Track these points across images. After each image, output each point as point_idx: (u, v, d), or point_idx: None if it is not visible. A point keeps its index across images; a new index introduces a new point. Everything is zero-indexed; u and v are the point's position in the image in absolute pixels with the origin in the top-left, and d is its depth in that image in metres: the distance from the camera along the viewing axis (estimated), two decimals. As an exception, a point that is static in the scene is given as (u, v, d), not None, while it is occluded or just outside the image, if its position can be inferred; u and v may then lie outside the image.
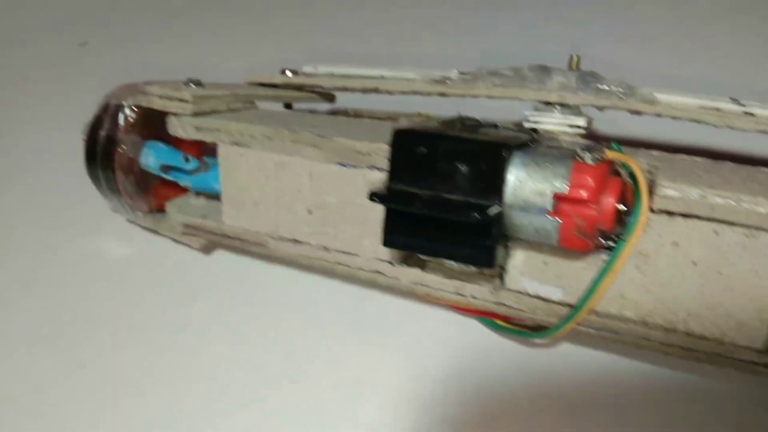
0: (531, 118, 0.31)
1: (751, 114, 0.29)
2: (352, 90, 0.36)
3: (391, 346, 0.29)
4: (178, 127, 0.32)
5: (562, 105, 0.31)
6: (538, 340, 0.27)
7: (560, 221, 0.23)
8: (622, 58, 0.46)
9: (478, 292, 0.27)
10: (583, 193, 0.23)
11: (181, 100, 0.32)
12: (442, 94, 0.33)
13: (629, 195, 0.24)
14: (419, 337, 0.29)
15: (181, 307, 0.34)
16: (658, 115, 0.30)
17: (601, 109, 0.31)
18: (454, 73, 0.35)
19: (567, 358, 0.27)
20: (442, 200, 0.24)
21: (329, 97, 0.39)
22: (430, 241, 0.25)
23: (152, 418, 0.29)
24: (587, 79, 0.32)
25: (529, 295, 0.26)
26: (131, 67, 0.59)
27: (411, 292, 0.29)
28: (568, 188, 0.23)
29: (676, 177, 0.23)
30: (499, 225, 0.24)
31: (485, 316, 0.28)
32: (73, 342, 0.33)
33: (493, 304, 0.27)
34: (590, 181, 0.23)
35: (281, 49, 0.55)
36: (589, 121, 0.32)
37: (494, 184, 0.23)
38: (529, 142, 0.25)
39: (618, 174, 0.24)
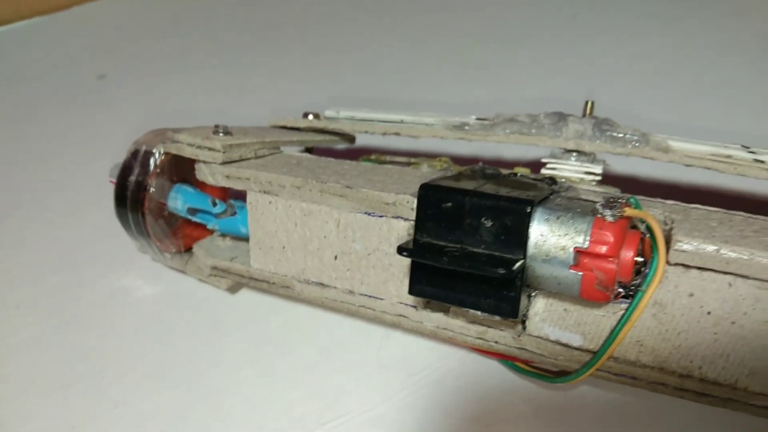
0: (549, 165, 0.33)
1: (762, 161, 0.30)
2: (373, 133, 0.38)
3: (415, 386, 0.31)
4: (207, 175, 0.34)
5: (578, 152, 0.33)
6: (563, 383, 0.28)
7: (582, 274, 0.24)
8: (635, 105, 0.48)
9: (501, 338, 0.28)
10: (603, 249, 0.24)
11: (211, 149, 0.33)
12: (462, 139, 0.35)
13: (647, 247, 0.25)
14: (441, 378, 0.31)
15: (209, 345, 0.35)
16: (671, 162, 0.32)
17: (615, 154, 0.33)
18: (472, 119, 0.36)
19: (584, 400, 0.29)
20: (467, 254, 0.25)
21: (350, 139, 0.41)
22: (455, 291, 0.26)
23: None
24: (602, 126, 0.33)
25: (550, 341, 0.27)
26: (148, 99, 0.61)
27: (434, 335, 0.30)
28: (589, 243, 0.24)
29: (692, 231, 0.24)
30: (523, 277, 0.25)
31: (507, 359, 0.29)
32: (106, 381, 0.34)
33: (515, 349, 0.28)
34: (610, 236, 0.24)
35: (301, 93, 0.57)
36: (604, 167, 0.33)
37: (518, 239, 0.24)
38: (549, 195, 0.27)
39: (636, 227, 0.25)
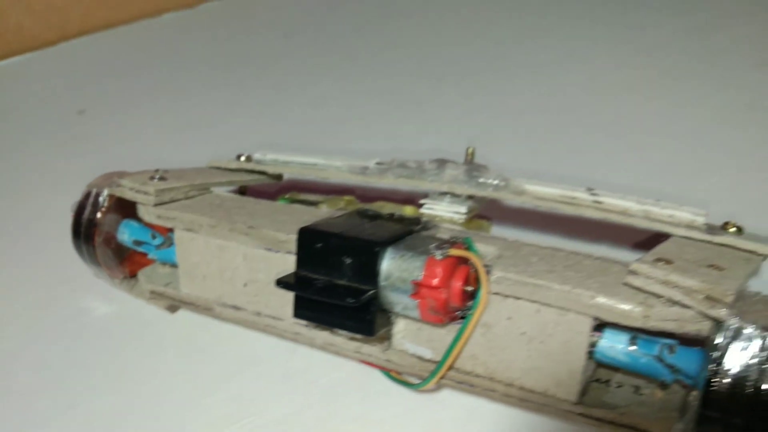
0: (426, 205, 0.39)
1: (599, 203, 0.36)
2: (291, 174, 0.44)
3: (312, 392, 0.36)
4: (144, 214, 0.40)
5: (451, 194, 0.39)
6: (417, 390, 0.34)
7: (418, 302, 0.30)
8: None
9: (373, 352, 0.34)
10: (435, 281, 0.29)
11: (145, 193, 0.39)
12: (359, 182, 0.41)
13: (474, 279, 0.31)
14: (334, 384, 0.36)
15: (150, 357, 0.41)
16: (524, 203, 0.37)
17: (479, 197, 0.39)
18: (372, 163, 0.42)
19: (445, 402, 0.34)
20: (330, 286, 0.31)
21: (278, 177, 0.47)
22: (326, 315, 0.31)
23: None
24: (473, 172, 0.39)
25: (408, 354, 0.33)
26: (124, 132, 0.67)
27: (325, 349, 0.36)
28: (423, 277, 0.29)
29: (509, 266, 0.30)
30: (376, 304, 0.31)
31: (383, 369, 0.35)
32: (64, 386, 0.39)
33: (384, 361, 0.33)
34: (439, 271, 0.29)
35: (244, 138, 0.63)
36: (472, 208, 0.39)
37: (371, 274, 0.30)
38: (406, 234, 0.32)
39: (466, 262, 0.31)
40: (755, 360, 0.25)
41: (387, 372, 0.34)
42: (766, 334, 0.25)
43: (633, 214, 0.34)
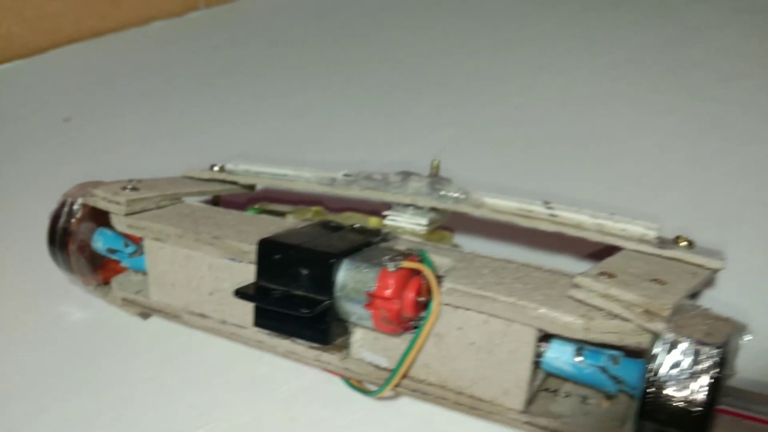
0: (389, 217, 0.40)
1: (555, 216, 0.37)
2: (262, 184, 0.44)
3: (276, 398, 0.37)
4: (116, 223, 0.40)
5: (414, 206, 0.40)
6: (374, 397, 0.35)
7: (371, 312, 0.30)
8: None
9: (332, 360, 0.34)
10: (387, 292, 0.30)
11: (117, 203, 0.40)
12: (327, 193, 0.41)
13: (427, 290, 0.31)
14: (297, 391, 0.37)
15: (123, 363, 0.41)
16: (482, 216, 0.38)
17: (441, 209, 0.39)
18: (339, 175, 0.42)
19: (402, 410, 0.35)
20: (286, 296, 0.31)
21: (250, 188, 0.47)
22: (285, 325, 0.32)
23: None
24: (436, 185, 0.39)
25: (366, 362, 0.34)
26: (109, 140, 0.68)
27: (287, 357, 0.37)
28: (376, 289, 0.30)
29: (460, 278, 0.30)
30: (332, 314, 0.31)
31: (343, 377, 0.36)
32: (37, 390, 0.40)
33: (343, 369, 0.34)
34: (392, 283, 0.30)
35: (226, 147, 0.64)
36: (434, 220, 0.39)
37: (326, 284, 0.31)
38: (364, 245, 0.33)
39: (419, 273, 0.32)
40: (688, 372, 0.25)
41: (347, 380, 0.35)
42: (699, 347, 0.25)
43: (587, 227, 0.35)
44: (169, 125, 0.68)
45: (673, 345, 0.26)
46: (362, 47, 0.79)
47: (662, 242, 0.34)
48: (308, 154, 0.60)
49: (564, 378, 0.31)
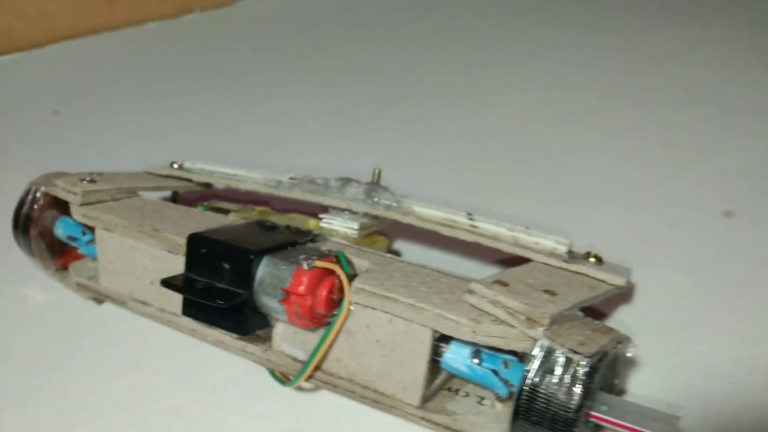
0: (324, 220, 0.41)
1: (475, 227, 0.38)
2: (215, 183, 0.46)
3: (206, 385, 0.39)
4: (72, 212, 0.42)
5: (350, 211, 0.41)
6: (293, 387, 0.36)
7: (285, 307, 0.32)
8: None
9: (255, 351, 0.36)
10: (301, 288, 0.32)
11: (74, 194, 0.42)
12: (271, 194, 0.43)
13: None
14: (227, 380, 0.39)
15: (72, 344, 0.43)
16: (410, 224, 0.40)
17: (375, 216, 0.41)
18: (285, 178, 0.44)
19: (320, 400, 0.37)
20: (211, 287, 0.33)
21: (206, 185, 0.49)
22: (208, 314, 0.34)
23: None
24: (371, 192, 0.41)
25: (285, 354, 0.35)
26: (93, 134, 0.71)
27: (218, 346, 0.38)
28: (290, 285, 0.32)
29: (370, 280, 0.32)
30: (250, 307, 0.33)
31: (267, 368, 0.37)
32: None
33: (265, 360, 0.36)
34: (305, 281, 0.32)
35: (200, 146, 0.66)
36: (366, 225, 0.41)
37: (245, 278, 0.33)
38: (289, 244, 0.35)
39: (334, 273, 0.33)
40: (557, 378, 0.27)
41: (271, 370, 0.37)
42: (571, 356, 0.27)
43: (503, 239, 0.37)
44: (151, 123, 0.71)
45: (549, 352, 0.27)
46: (339, 58, 0.81)
47: (572, 257, 0.36)
48: (275, 158, 0.62)
49: (462, 378, 0.32)
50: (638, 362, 0.37)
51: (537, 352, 0.28)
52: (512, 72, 0.73)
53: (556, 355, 0.27)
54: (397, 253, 0.48)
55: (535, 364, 0.27)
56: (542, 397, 0.27)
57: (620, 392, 0.34)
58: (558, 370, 0.27)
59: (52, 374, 0.41)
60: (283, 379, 0.36)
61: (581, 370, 0.27)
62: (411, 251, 0.47)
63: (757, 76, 0.65)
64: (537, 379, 0.27)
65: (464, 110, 0.65)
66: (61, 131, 0.70)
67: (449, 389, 0.34)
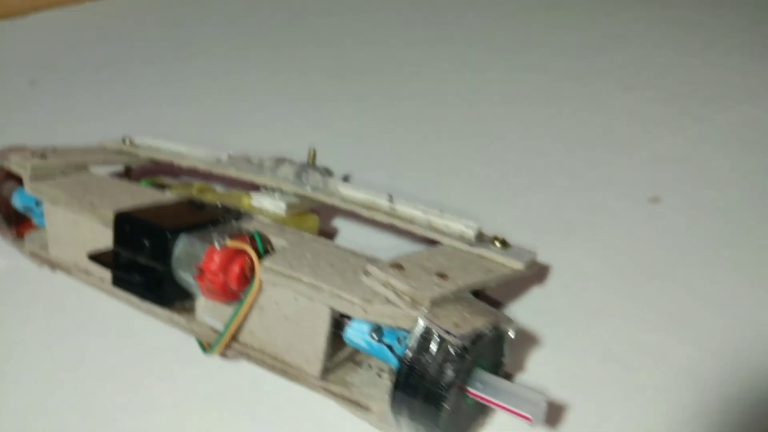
0: (254, 198, 0.43)
1: (393, 209, 0.40)
2: (159, 159, 0.48)
3: (140, 349, 0.41)
4: (24, 185, 0.44)
5: (280, 190, 0.43)
6: (212, 355, 0.38)
7: (198, 283, 0.34)
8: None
9: (181, 321, 0.38)
10: (213, 266, 0.34)
11: (24, 168, 0.44)
12: (210, 171, 0.45)
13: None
14: (159, 347, 0.41)
15: (22, 308, 0.45)
16: (333, 204, 0.41)
17: (302, 195, 0.42)
18: (224, 156, 0.46)
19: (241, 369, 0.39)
20: (133, 263, 0.35)
21: (154, 161, 0.51)
22: (133, 286, 0.36)
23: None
24: (302, 173, 0.43)
25: (207, 325, 0.38)
26: (72, 104, 0.72)
27: (151, 314, 0.41)
28: (203, 263, 0.34)
29: (280, 260, 0.34)
30: (169, 281, 0.35)
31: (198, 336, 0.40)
32: None
33: (189, 329, 0.38)
34: (216, 259, 0.34)
35: (164, 117, 0.68)
36: (293, 204, 0.43)
37: (163, 254, 0.35)
38: (210, 223, 0.37)
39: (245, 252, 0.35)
40: (430, 354, 0.29)
41: (198, 339, 0.39)
42: (444, 336, 0.29)
43: (417, 222, 0.38)
44: (124, 94, 0.72)
45: (427, 331, 0.29)
46: (298, 32, 0.82)
47: (480, 240, 0.38)
48: (230, 132, 0.63)
49: (362, 352, 0.34)
50: (539, 342, 0.39)
51: (416, 331, 0.30)
52: (467, 49, 0.73)
53: (433, 334, 0.29)
54: (333, 230, 0.50)
55: (413, 342, 0.29)
56: (417, 373, 0.29)
57: (503, 372, 0.36)
58: (433, 349, 0.29)
59: (4, 333, 0.43)
60: (206, 347, 0.39)
61: (452, 350, 0.29)
62: (347, 229, 0.49)
63: (709, 60, 0.65)
64: (414, 356, 0.29)
65: (415, 89, 0.66)
66: (37, 100, 0.72)
67: (354, 361, 0.36)
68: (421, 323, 0.29)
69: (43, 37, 0.82)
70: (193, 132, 0.63)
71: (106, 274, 0.41)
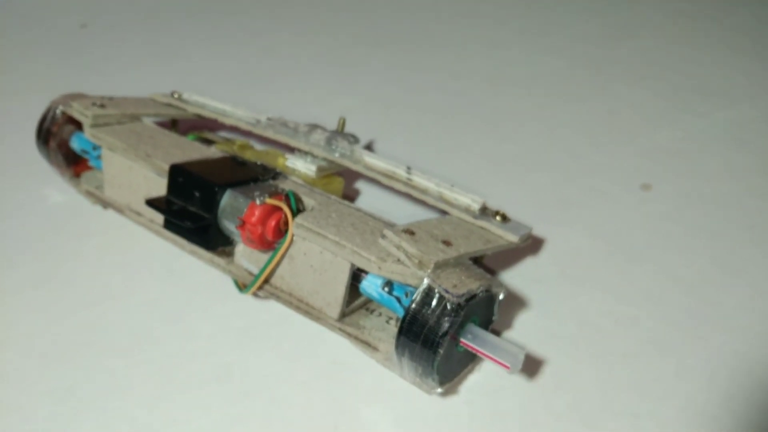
0: (289, 160, 0.49)
1: (410, 180, 0.45)
2: (204, 115, 0.53)
3: (180, 285, 0.47)
4: (84, 131, 0.50)
5: (311, 154, 0.48)
6: (247, 294, 0.44)
7: (240, 232, 0.40)
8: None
9: (221, 263, 0.44)
10: (253, 218, 0.40)
11: (86, 116, 0.49)
12: (249, 132, 0.50)
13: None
14: (198, 283, 0.47)
15: (77, 240, 0.51)
16: (358, 172, 0.47)
17: (331, 161, 0.48)
18: (263, 118, 0.51)
19: (268, 308, 0.45)
20: (184, 210, 0.41)
21: (199, 115, 0.56)
22: (182, 230, 0.42)
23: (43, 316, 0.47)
24: (331, 141, 0.48)
25: (244, 268, 0.44)
26: (122, 49, 0.77)
27: (194, 255, 0.47)
28: (245, 215, 0.40)
29: (309, 218, 0.40)
30: (214, 228, 0.41)
31: (233, 277, 0.46)
32: (14, 263, 0.50)
33: (227, 270, 0.44)
34: (257, 213, 0.39)
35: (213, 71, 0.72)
36: (323, 167, 0.48)
37: (210, 205, 0.40)
38: (252, 180, 0.42)
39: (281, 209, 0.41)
40: (431, 308, 0.35)
41: (234, 280, 0.45)
42: (443, 294, 0.35)
43: (430, 193, 0.44)
44: (166, 44, 0.77)
45: (429, 289, 0.35)
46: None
47: (483, 213, 0.43)
48: (265, 91, 0.68)
49: (374, 301, 0.40)
50: (527, 305, 0.45)
51: (421, 288, 0.35)
52: (493, 26, 0.77)
53: (434, 292, 0.35)
54: (356, 191, 0.55)
55: (418, 297, 0.35)
56: (419, 322, 0.35)
57: (492, 328, 0.42)
58: (434, 304, 0.35)
59: (61, 261, 0.49)
60: (242, 287, 0.45)
61: (449, 306, 0.34)
62: (368, 191, 0.54)
63: (717, 57, 0.69)
64: (417, 308, 0.35)
65: (441, 61, 0.70)
66: (86, 43, 0.77)
67: (367, 309, 0.42)
68: (426, 282, 0.35)
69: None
70: (231, 87, 0.68)
71: (156, 216, 0.47)
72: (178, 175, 0.42)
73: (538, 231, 0.49)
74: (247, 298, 0.45)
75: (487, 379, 0.40)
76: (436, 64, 0.71)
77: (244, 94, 0.63)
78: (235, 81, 0.70)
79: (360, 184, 0.55)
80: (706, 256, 0.49)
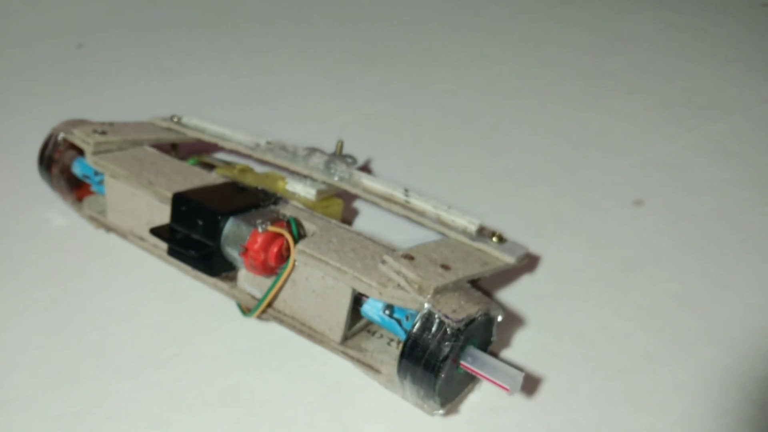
0: (289, 183, 0.50)
1: (408, 202, 0.46)
2: (204, 139, 0.54)
3: (185, 307, 0.48)
4: (86, 158, 0.51)
5: (311, 177, 0.49)
6: (248, 317, 0.45)
7: (243, 259, 0.41)
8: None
9: (224, 287, 0.45)
10: (255, 246, 0.41)
11: (87, 143, 0.50)
12: (249, 155, 0.51)
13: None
14: (202, 306, 0.48)
15: (81, 263, 0.52)
16: (357, 195, 0.48)
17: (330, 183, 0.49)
18: (263, 142, 0.52)
19: (272, 330, 0.46)
20: (188, 238, 0.42)
21: (198, 139, 0.57)
22: (186, 258, 0.43)
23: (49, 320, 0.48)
24: (329, 164, 0.49)
25: (246, 292, 0.45)
26: (119, 68, 0.78)
27: (197, 279, 0.48)
28: (248, 242, 0.41)
29: (311, 243, 0.41)
30: (218, 255, 0.42)
31: (237, 301, 0.47)
32: (19, 280, 0.51)
33: (231, 294, 0.45)
34: (259, 240, 0.40)
35: (208, 90, 0.73)
36: (322, 191, 0.49)
37: (213, 233, 0.42)
38: (253, 207, 0.43)
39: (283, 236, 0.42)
40: (431, 333, 0.36)
41: (238, 303, 0.46)
42: (443, 319, 0.36)
43: (428, 215, 0.45)
44: (164, 62, 0.78)
45: (429, 314, 0.36)
46: (332, 14, 0.86)
47: (480, 234, 0.44)
48: (263, 108, 0.69)
49: (376, 324, 0.42)
50: (524, 323, 0.46)
51: (422, 313, 0.37)
52: (487, 39, 0.78)
53: (434, 317, 0.36)
54: (355, 211, 0.56)
55: (418, 322, 0.36)
56: (420, 347, 0.36)
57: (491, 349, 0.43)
58: (434, 329, 0.36)
59: (66, 285, 0.50)
60: (245, 310, 0.46)
61: (449, 331, 0.36)
62: (367, 211, 0.55)
63: (709, 69, 0.70)
64: (418, 333, 0.36)
65: (435, 76, 0.72)
66: (83, 63, 0.77)
67: (368, 331, 0.43)
68: (426, 307, 0.36)
69: (91, 0, 0.88)
70: (229, 104, 0.69)
71: (159, 242, 0.48)
72: (181, 203, 0.43)
73: (533, 247, 0.50)
74: (249, 321, 0.46)
75: (486, 397, 0.41)
76: (428, 80, 0.72)
77: (241, 111, 0.64)
78: (232, 98, 0.71)
79: (359, 204, 0.56)
80: (699, 270, 0.50)
